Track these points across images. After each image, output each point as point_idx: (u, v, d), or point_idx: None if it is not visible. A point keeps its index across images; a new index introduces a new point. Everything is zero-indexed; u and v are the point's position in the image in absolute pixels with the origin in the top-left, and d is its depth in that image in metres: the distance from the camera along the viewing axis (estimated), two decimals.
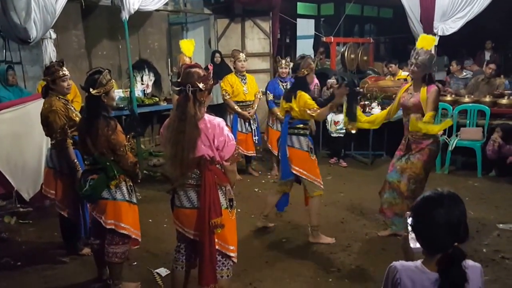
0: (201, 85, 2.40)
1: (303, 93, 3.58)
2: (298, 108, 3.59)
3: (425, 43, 3.66)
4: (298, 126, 3.70)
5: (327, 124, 6.48)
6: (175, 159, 2.42)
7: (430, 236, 1.55)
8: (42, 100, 3.57)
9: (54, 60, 4.66)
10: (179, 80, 2.48)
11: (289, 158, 3.71)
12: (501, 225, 4.06)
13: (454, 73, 7.10)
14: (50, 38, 4.93)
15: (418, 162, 3.57)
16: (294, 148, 3.69)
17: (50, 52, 4.93)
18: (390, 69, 7.48)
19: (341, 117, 5.94)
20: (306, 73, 3.67)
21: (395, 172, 3.68)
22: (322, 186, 3.76)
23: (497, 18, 7.98)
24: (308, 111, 3.53)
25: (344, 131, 6.13)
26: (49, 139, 3.56)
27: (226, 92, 5.55)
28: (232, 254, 2.57)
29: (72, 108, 3.51)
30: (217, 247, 2.51)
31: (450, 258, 1.50)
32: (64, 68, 3.44)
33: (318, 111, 3.52)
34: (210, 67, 2.53)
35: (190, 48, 5.14)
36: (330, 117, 6.38)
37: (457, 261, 1.49)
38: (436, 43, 6.40)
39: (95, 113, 2.84)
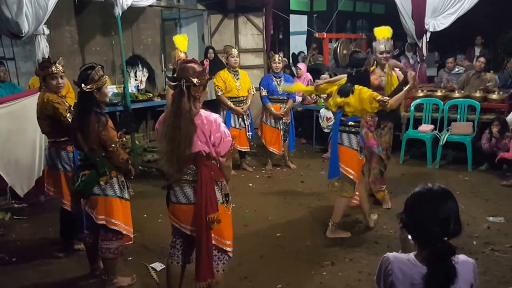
0: (195, 80, 2.37)
1: (363, 87, 3.49)
2: (356, 103, 3.49)
3: (384, 33, 4.14)
4: (349, 123, 3.60)
5: (320, 120, 6.52)
6: (171, 154, 2.40)
7: (420, 231, 1.55)
8: (35, 96, 3.53)
9: (47, 56, 4.64)
10: (174, 75, 2.48)
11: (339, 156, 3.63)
12: (491, 218, 4.13)
13: (448, 68, 7.16)
14: (43, 34, 4.89)
15: (387, 135, 4.32)
16: (343, 146, 3.62)
17: (43, 48, 4.89)
18: None
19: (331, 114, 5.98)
20: (368, 69, 3.63)
21: (378, 147, 4.23)
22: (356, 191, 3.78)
23: (487, 14, 8.06)
24: (378, 101, 3.41)
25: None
26: (45, 136, 3.54)
27: (219, 88, 5.51)
28: (228, 249, 2.58)
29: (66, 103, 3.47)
30: (213, 242, 2.51)
31: (438, 252, 1.49)
32: (57, 65, 3.33)
33: (391, 98, 3.54)
34: (206, 63, 2.52)
35: (184, 43, 5.13)
36: (323, 112, 6.42)
37: (446, 256, 1.48)
38: (427, 39, 6.50)
39: (87, 109, 2.82)
